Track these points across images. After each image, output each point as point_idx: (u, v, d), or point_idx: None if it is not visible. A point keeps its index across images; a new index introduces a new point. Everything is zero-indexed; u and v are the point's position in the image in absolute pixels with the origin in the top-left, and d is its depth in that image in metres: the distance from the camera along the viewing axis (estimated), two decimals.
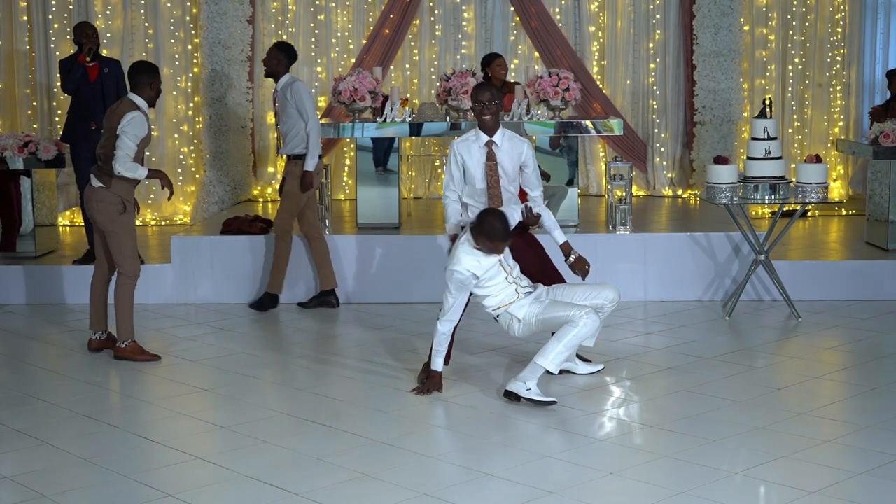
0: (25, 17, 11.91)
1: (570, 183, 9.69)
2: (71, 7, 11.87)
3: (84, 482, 5.30)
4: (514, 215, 6.69)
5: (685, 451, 5.54)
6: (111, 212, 7.42)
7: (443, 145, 12.09)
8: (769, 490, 5.06)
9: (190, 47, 11.93)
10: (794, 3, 12.09)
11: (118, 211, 7.43)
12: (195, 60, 11.89)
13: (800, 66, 12.19)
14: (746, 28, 11.96)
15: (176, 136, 11.92)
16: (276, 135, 9.62)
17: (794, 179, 8.53)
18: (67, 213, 11.80)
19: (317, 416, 6.36)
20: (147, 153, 11.53)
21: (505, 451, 5.64)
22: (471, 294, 6.57)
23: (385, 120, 9.48)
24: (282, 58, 8.94)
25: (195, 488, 5.18)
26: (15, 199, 10.38)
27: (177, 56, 11.86)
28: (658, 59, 12.13)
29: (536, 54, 12.09)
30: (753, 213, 10.85)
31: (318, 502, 4.98)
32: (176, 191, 11.99)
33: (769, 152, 8.45)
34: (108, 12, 11.79)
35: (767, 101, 8.65)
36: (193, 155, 11.93)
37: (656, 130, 12.19)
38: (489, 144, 6.84)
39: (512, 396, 6.44)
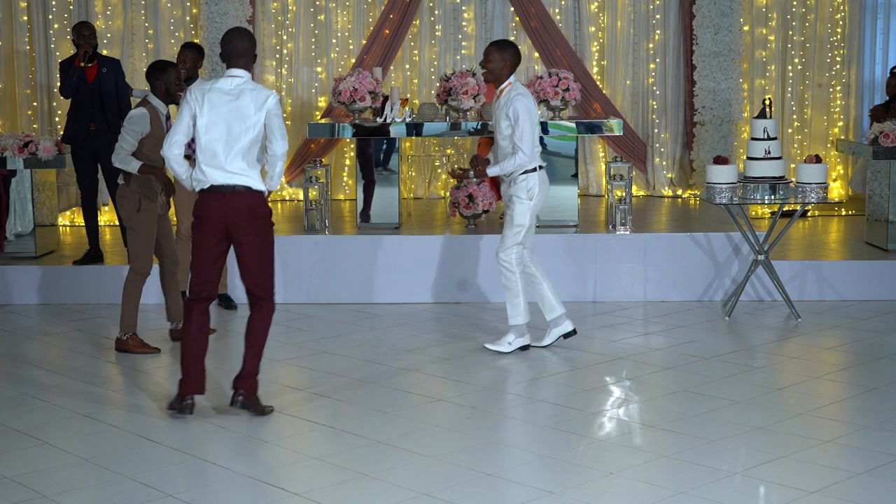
0: (25, 18, 11.92)
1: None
2: (71, 7, 11.88)
3: (84, 482, 5.31)
4: None
5: (685, 451, 5.54)
6: (129, 208, 7.50)
7: (443, 146, 12.10)
8: (769, 490, 5.06)
9: None
10: (794, 3, 12.10)
11: (135, 208, 7.48)
12: None
13: (799, 67, 12.20)
14: (746, 28, 11.96)
15: None
16: None
17: (793, 180, 8.54)
18: (67, 213, 11.80)
19: (317, 416, 6.36)
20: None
21: (504, 452, 5.64)
22: None
23: (385, 120, 9.48)
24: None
25: (195, 488, 5.18)
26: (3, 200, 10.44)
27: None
28: (658, 60, 12.13)
29: (536, 54, 12.09)
30: (753, 213, 10.84)
31: (318, 502, 4.98)
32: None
33: (769, 152, 8.46)
34: (108, 12, 11.79)
35: (767, 102, 8.65)
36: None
37: (656, 131, 12.19)
38: None
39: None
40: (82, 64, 9.28)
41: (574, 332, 7.67)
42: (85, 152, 9.37)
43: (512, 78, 7.33)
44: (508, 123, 7.23)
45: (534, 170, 7.29)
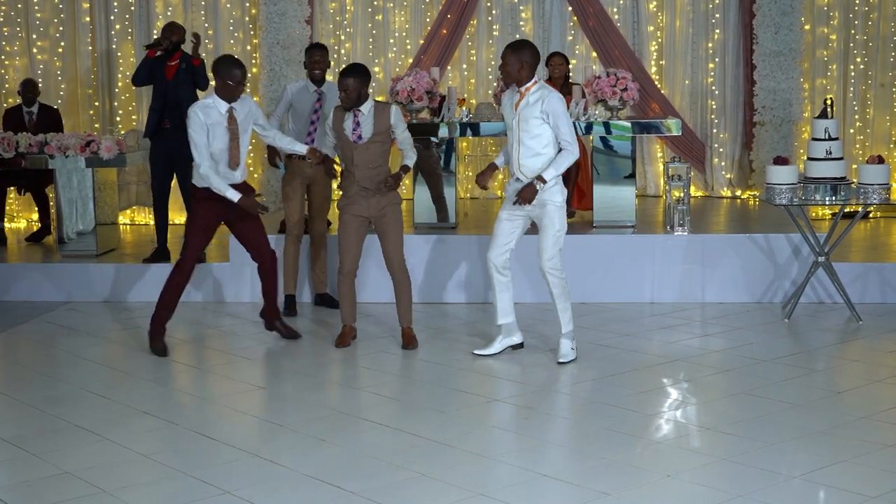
0: (88, 19, 12.07)
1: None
2: (132, 8, 12.02)
3: (143, 478, 5.36)
4: None
5: (743, 454, 5.49)
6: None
7: (499, 145, 12.08)
8: (829, 494, 5.01)
9: (249, 48, 12.03)
10: (857, 1, 11.95)
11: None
12: (254, 61, 11.98)
13: (862, 66, 12.05)
14: (807, 27, 11.84)
15: None
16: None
17: (855, 180, 8.44)
18: (128, 211, 11.94)
19: (374, 415, 6.38)
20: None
21: (561, 453, 5.62)
22: None
23: (442, 120, 9.50)
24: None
25: (253, 485, 5.21)
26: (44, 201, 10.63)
27: (236, 57, 11.94)
28: (717, 59, 12.04)
29: (594, 54, 12.05)
30: (813, 214, 10.74)
31: (375, 501, 4.99)
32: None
33: (830, 153, 8.37)
34: (168, 13, 11.91)
35: (828, 101, 8.56)
36: (252, 154, 12.01)
37: (715, 131, 12.11)
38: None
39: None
40: (144, 47, 9.35)
41: (522, 344, 7.59)
42: (159, 149, 9.40)
43: (535, 77, 7.21)
44: (541, 122, 7.08)
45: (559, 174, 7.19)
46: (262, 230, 7.79)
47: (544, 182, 7.08)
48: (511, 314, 7.48)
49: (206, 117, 7.37)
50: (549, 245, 7.18)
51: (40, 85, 12.08)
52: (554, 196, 7.15)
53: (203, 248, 7.81)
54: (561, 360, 7.29)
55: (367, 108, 7.63)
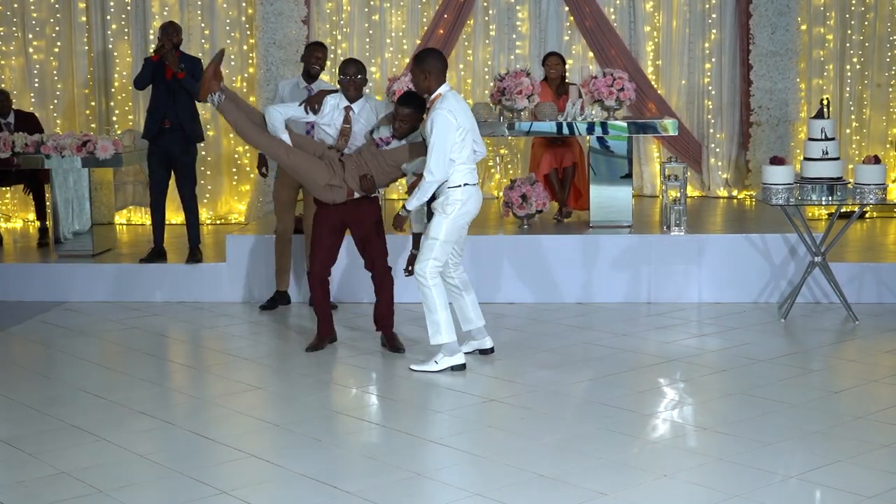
0: (84, 19, 12.06)
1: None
2: (129, 8, 12.01)
3: (140, 478, 5.36)
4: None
5: (739, 454, 5.50)
6: None
7: (496, 145, 12.09)
8: (825, 494, 5.01)
9: (245, 48, 12.02)
10: (853, 2, 11.96)
11: None
12: (250, 61, 11.98)
13: (858, 66, 12.05)
14: (804, 27, 11.84)
15: (231, 135, 12.01)
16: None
17: (851, 181, 8.44)
18: (124, 211, 11.93)
19: (370, 415, 6.38)
20: (203, 153, 11.59)
21: (557, 453, 5.62)
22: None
23: None
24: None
25: (249, 485, 5.21)
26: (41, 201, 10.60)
27: (232, 56, 11.95)
28: (714, 59, 12.04)
29: (591, 54, 12.05)
30: (810, 214, 10.74)
31: (370, 501, 4.99)
32: (231, 190, 12.09)
33: (826, 153, 8.37)
34: (164, 13, 11.91)
35: (825, 102, 8.56)
36: (248, 155, 12.01)
37: (711, 131, 12.11)
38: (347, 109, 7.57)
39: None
40: (151, 52, 9.32)
41: (492, 349, 7.47)
42: (158, 149, 9.38)
43: (444, 87, 7.03)
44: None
45: (458, 185, 6.99)
46: (382, 239, 7.64)
47: (407, 210, 7.05)
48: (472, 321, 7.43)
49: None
50: (422, 250, 7.08)
51: (36, 83, 12.08)
52: (438, 205, 7.05)
53: (325, 252, 7.62)
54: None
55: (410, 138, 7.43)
